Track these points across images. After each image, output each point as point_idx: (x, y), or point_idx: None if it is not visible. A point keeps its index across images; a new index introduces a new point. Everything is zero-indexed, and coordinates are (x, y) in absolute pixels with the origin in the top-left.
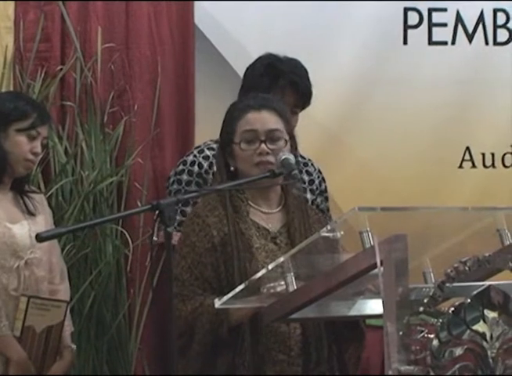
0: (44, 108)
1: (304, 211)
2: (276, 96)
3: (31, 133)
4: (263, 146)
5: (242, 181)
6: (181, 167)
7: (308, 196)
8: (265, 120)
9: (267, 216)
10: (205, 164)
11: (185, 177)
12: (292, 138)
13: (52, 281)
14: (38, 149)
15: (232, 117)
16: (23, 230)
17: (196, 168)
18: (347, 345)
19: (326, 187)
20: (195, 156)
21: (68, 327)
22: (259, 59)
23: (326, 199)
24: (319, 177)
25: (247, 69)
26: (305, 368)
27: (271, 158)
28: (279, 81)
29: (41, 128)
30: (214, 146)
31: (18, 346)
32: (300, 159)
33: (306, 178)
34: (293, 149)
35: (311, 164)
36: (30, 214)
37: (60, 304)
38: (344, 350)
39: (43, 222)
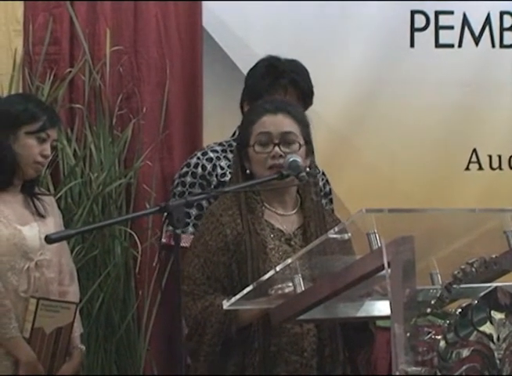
0: (53, 110)
1: (321, 215)
2: (278, 96)
3: (41, 136)
4: (276, 148)
5: (250, 183)
6: (184, 169)
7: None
8: (280, 123)
9: (282, 218)
10: (208, 166)
11: (188, 179)
12: (308, 143)
13: (61, 283)
14: (48, 151)
15: (248, 121)
16: (32, 232)
17: (199, 169)
18: (358, 348)
19: (330, 189)
20: (198, 158)
21: (77, 329)
22: (260, 61)
23: (331, 201)
24: (322, 179)
25: (249, 71)
26: (320, 369)
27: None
28: (280, 81)
29: (50, 131)
30: (218, 148)
31: (27, 347)
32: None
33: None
34: (309, 154)
35: (315, 166)
36: (40, 216)
37: (70, 305)
38: (355, 354)
39: (53, 223)
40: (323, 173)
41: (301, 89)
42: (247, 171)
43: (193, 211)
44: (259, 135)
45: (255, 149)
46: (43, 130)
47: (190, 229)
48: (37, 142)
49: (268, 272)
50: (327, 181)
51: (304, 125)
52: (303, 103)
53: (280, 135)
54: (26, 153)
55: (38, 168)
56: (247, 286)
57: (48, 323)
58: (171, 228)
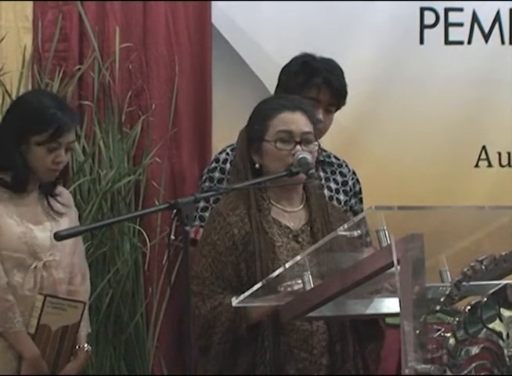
0: (68, 112)
1: (326, 210)
2: (311, 94)
3: (51, 145)
4: (298, 147)
5: (260, 180)
6: (213, 164)
7: (341, 197)
8: (300, 122)
9: (289, 215)
10: None
11: (217, 175)
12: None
13: (72, 282)
14: (60, 158)
15: (264, 115)
16: (45, 232)
17: (228, 165)
18: (366, 343)
19: (360, 189)
20: (227, 154)
21: (85, 328)
22: (294, 58)
23: (361, 200)
24: (353, 178)
25: (283, 68)
26: (330, 367)
27: None
28: (314, 79)
29: (62, 138)
30: None
31: (32, 343)
32: (334, 160)
33: (339, 179)
34: (317, 152)
35: (346, 166)
36: (55, 216)
37: (77, 304)
38: (363, 347)
39: (67, 224)
40: (354, 172)
41: (334, 88)
42: (256, 165)
43: (200, 204)
44: (280, 132)
45: (277, 145)
46: (53, 139)
47: (196, 222)
48: (48, 151)
49: (276, 271)
50: (357, 180)
51: (316, 124)
52: (336, 103)
53: (301, 134)
54: (37, 163)
55: (52, 174)
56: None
57: (55, 321)
58: (197, 223)
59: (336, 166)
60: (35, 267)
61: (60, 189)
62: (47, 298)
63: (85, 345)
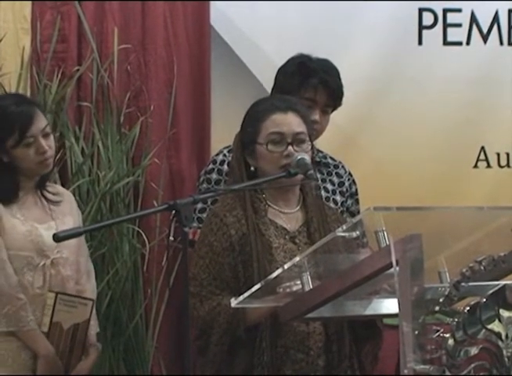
0: (24, 103)
1: (323, 211)
2: (308, 95)
3: (26, 142)
4: (290, 148)
5: (258, 181)
6: (210, 166)
7: (338, 198)
8: (292, 122)
9: (286, 216)
10: None
11: (214, 176)
12: (311, 142)
13: (78, 282)
14: (42, 147)
15: (256, 117)
16: (50, 231)
17: (225, 167)
18: (363, 343)
19: (356, 190)
20: (224, 155)
21: (94, 327)
22: (291, 59)
23: (357, 201)
24: (349, 179)
25: (279, 69)
26: (326, 368)
27: None
28: (311, 80)
29: (31, 131)
30: None
31: (46, 341)
32: (330, 161)
33: (336, 180)
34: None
35: (342, 167)
36: (58, 214)
37: (87, 302)
38: (360, 348)
39: (71, 223)
40: (350, 173)
41: (331, 89)
42: (251, 168)
43: (198, 205)
44: (272, 134)
45: (268, 148)
46: (24, 137)
47: (194, 223)
48: (27, 148)
49: (273, 272)
50: (354, 181)
51: (309, 124)
52: (333, 103)
53: (293, 135)
54: (24, 164)
55: (44, 164)
56: (253, 287)
57: (66, 319)
58: (195, 224)
59: (332, 167)
60: (43, 265)
61: (61, 190)
62: (58, 295)
63: (96, 343)
